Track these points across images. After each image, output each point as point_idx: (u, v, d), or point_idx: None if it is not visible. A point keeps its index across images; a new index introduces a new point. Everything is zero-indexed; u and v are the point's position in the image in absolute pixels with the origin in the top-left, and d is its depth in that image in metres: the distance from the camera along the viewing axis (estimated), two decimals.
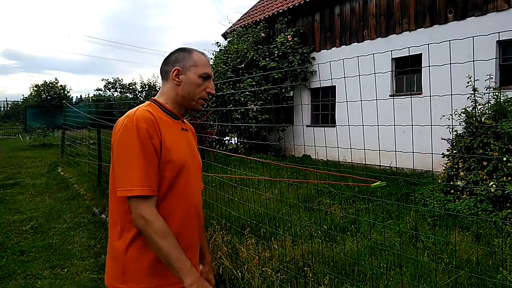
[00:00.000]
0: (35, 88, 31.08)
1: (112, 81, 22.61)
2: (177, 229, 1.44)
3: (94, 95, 27.83)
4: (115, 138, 1.39)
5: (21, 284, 3.68)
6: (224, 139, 12.88)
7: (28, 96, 32.26)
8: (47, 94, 30.75)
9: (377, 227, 4.51)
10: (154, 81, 20.61)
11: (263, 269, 3.05)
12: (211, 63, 13.24)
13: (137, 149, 1.33)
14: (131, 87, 21.32)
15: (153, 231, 1.31)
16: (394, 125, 2.59)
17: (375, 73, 2.98)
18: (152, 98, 1.58)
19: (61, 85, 32.14)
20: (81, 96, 38.52)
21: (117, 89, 22.52)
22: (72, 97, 34.50)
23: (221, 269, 3.25)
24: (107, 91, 23.04)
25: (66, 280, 3.76)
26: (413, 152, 2.35)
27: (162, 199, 1.41)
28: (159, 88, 15.86)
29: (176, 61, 1.54)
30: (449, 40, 2.26)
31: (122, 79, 22.93)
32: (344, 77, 2.81)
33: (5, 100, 39.08)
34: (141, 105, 1.49)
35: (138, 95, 21.26)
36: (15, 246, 4.63)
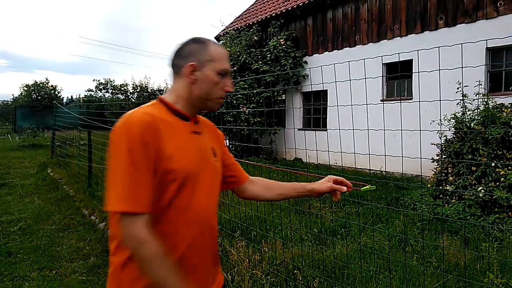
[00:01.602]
0: (25, 88, 30.82)
1: (103, 82, 22.51)
2: (182, 249, 1.26)
3: (85, 95, 27.64)
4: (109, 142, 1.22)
5: (8, 286, 3.64)
6: None
7: (18, 96, 31.96)
8: (37, 94, 30.49)
9: (367, 230, 4.54)
10: (146, 83, 20.59)
11: (253, 272, 3.05)
12: None
13: (127, 158, 1.14)
14: (122, 88, 21.23)
15: (146, 255, 1.13)
16: (384, 130, 2.61)
17: (365, 78, 3.01)
18: (160, 97, 1.37)
19: (51, 85, 31.93)
20: (72, 96, 38.24)
21: (108, 90, 22.42)
22: (63, 97, 34.23)
23: None
24: (98, 92, 22.94)
25: (54, 282, 3.72)
26: (402, 157, 2.38)
27: (162, 214, 1.23)
28: (151, 90, 15.63)
29: (190, 55, 1.33)
30: (438, 47, 2.30)
31: (113, 80, 22.89)
32: (335, 82, 2.83)
33: None
34: (144, 105, 1.32)
35: (129, 96, 21.16)
36: (3, 248, 4.58)
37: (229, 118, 10.97)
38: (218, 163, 1.45)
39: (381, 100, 9.08)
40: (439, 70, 2.21)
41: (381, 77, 9.11)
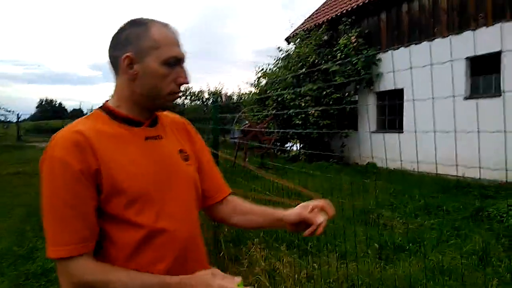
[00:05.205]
0: None
1: (183, 89, 23.58)
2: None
3: None
4: None
5: None
6: (286, 145, 12.68)
7: None
8: None
9: (440, 246, 4.01)
10: (220, 89, 21.21)
11: None
12: (273, 68, 13.13)
13: (52, 192, 0.94)
14: (199, 95, 22.05)
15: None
16: (478, 131, 2.22)
17: (452, 66, 2.62)
18: (105, 102, 1.11)
19: None
20: None
21: (187, 97, 23.38)
22: None
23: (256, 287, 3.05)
24: (178, 99, 24.08)
25: None
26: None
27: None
28: (224, 95, 15.90)
29: (127, 43, 1.03)
30: None
31: (192, 87, 23.75)
32: (412, 68, 2.48)
33: (91, 109, 42.56)
34: (80, 118, 1.08)
35: (206, 103, 21.91)
36: None
37: (297, 121, 10.71)
38: (191, 167, 1.17)
39: (464, 98, 8.20)
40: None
41: (465, 73, 8.23)
